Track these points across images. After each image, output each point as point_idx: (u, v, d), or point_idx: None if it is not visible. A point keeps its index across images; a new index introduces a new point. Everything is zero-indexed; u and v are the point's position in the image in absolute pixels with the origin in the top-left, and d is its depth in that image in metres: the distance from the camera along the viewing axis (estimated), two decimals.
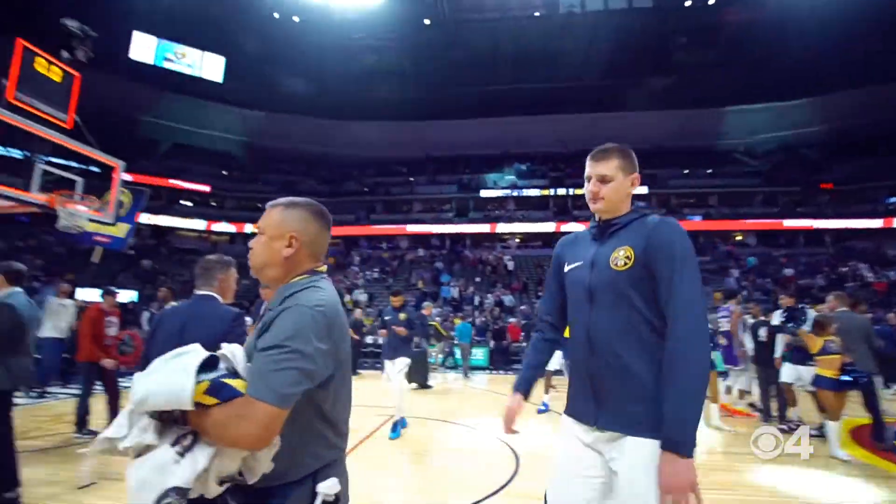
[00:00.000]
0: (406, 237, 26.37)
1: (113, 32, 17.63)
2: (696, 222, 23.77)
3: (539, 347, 1.61)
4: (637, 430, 1.23)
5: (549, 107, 27.80)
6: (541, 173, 28.13)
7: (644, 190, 24.80)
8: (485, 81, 28.82)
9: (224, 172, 28.19)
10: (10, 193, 5.15)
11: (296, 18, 27.09)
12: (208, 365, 0.99)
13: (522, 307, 16.54)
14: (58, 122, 6.07)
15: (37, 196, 5.50)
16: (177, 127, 27.12)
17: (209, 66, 25.59)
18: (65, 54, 6.13)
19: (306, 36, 27.20)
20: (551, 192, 26.47)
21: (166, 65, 24.41)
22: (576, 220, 24.39)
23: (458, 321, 12.78)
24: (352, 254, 24.80)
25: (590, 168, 1.43)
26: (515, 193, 26.94)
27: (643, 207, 1.44)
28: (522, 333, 13.48)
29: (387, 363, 5.15)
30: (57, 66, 5.92)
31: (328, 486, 1.04)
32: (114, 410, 4.46)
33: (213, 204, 27.66)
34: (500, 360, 12.44)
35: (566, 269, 1.48)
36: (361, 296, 17.58)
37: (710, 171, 26.67)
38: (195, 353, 1.01)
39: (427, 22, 27.97)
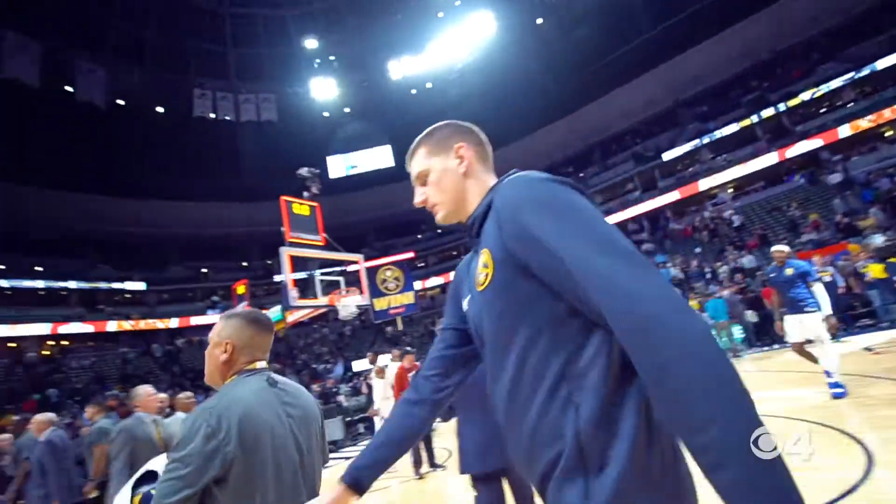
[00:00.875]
0: None
1: (315, 164, 22.85)
2: None
3: (400, 413, 1.05)
4: None
5: (712, 27, 23.41)
6: (732, 103, 23.38)
7: None
8: (624, 40, 26.34)
9: (419, 237, 32.32)
10: (310, 303, 7.05)
11: (428, 85, 30.30)
12: (151, 478, 1.18)
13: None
14: (315, 243, 8.07)
15: (322, 300, 7.35)
16: (374, 216, 32.68)
17: (381, 156, 30.41)
18: (305, 194, 8.24)
19: (442, 94, 30.02)
20: (754, 118, 21.58)
21: (353, 172, 30.07)
22: (805, 136, 19.20)
23: (693, 301, 11.23)
24: None
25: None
26: (707, 139, 22.92)
27: (510, 174, 0.88)
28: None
29: None
30: (305, 204, 8.00)
31: None
32: (429, 450, 5.34)
33: (420, 265, 31.77)
34: (765, 331, 10.29)
35: (465, 307, 1.01)
36: None
37: None
38: (140, 470, 1.28)
39: (540, 21, 27.63)
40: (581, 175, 28.54)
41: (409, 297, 9.24)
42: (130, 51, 25.16)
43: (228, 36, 27.35)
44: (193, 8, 26.22)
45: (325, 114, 30.57)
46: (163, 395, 4.04)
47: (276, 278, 24.33)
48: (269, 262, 30.43)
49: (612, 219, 24.20)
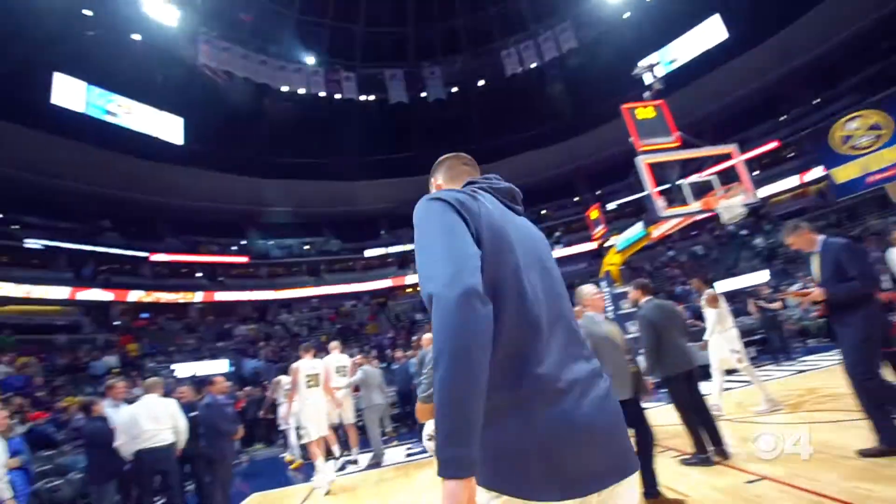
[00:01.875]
0: None
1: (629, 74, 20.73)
2: None
3: None
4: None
5: None
6: None
7: None
8: None
9: (782, 118, 24.69)
10: (681, 211, 6.35)
11: None
12: None
13: None
14: (670, 146, 7.16)
15: (695, 206, 6.48)
16: (709, 110, 27.08)
17: (708, 33, 24.53)
18: (646, 95, 7.38)
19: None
20: None
21: (673, 66, 25.63)
22: None
23: None
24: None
25: None
26: None
27: None
28: None
29: None
30: (649, 106, 7.18)
31: None
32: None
33: (790, 155, 24.44)
34: None
35: None
36: None
37: None
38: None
39: None
40: None
41: None
42: (450, 45, 29.96)
43: None
44: None
45: (626, 14, 27.13)
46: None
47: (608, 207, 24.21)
48: (597, 192, 30.70)
49: None
